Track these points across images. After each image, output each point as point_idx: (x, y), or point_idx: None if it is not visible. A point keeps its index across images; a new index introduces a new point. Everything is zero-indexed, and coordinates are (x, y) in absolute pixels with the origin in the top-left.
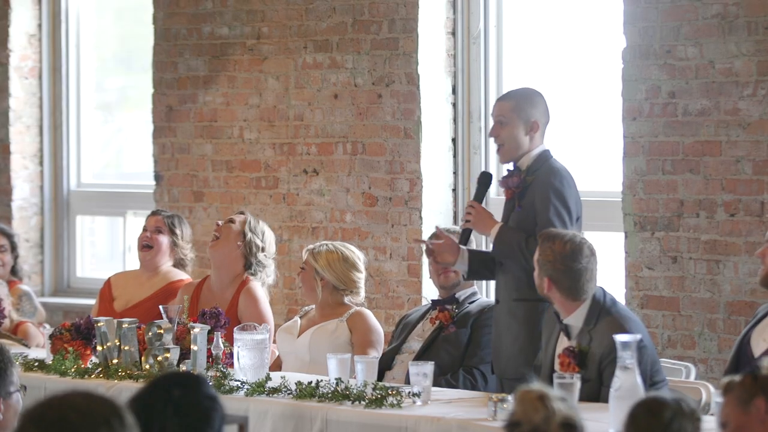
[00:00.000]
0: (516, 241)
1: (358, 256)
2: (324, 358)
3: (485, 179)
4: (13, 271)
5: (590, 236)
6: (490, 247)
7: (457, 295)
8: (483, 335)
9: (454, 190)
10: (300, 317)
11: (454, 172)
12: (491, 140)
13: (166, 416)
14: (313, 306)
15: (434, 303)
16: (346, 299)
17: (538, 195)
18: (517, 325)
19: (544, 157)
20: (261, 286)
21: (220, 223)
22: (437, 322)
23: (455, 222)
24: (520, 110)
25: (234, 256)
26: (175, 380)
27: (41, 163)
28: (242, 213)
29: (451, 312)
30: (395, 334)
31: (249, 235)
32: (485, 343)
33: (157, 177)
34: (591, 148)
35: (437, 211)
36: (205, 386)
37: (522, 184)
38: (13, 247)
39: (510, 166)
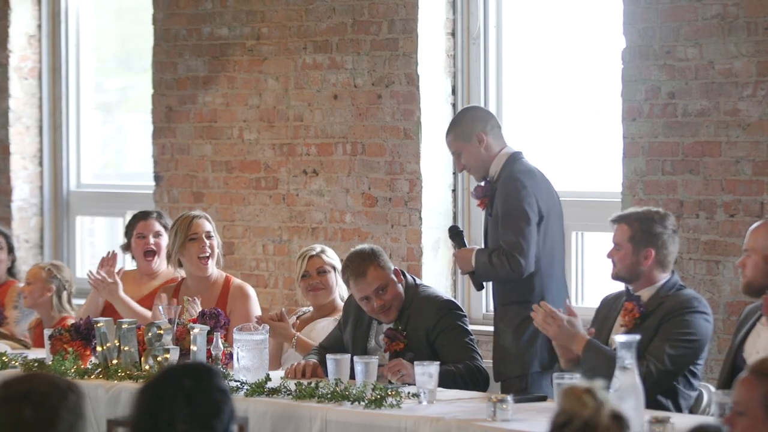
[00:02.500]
0: (483, 262)
1: None
2: None
3: (454, 232)
4: (10, 271)
5: (590, 236)
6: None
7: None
8: (446, 344)
9: (453, 190)
10: (297, 317)
11: (454, 173)
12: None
13: (176, 405)
14: (310, 308)
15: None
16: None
17: (498, 205)
18: (506, 328)
19: (510, 160)
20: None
21: (206, 240)
22: (392, 352)
23: (455, 221)
24: (461, 136)
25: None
26: (187, 370)
27: (41, 164)
28: (201, 217)
29: (402, 340)
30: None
31: (219, 239)
32: (456, 345)
33: (157, 178)
34: (591, 149)
35: (437, 211)
36: (218, 379)
37: (490, 191)
38: (10, 247)
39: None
